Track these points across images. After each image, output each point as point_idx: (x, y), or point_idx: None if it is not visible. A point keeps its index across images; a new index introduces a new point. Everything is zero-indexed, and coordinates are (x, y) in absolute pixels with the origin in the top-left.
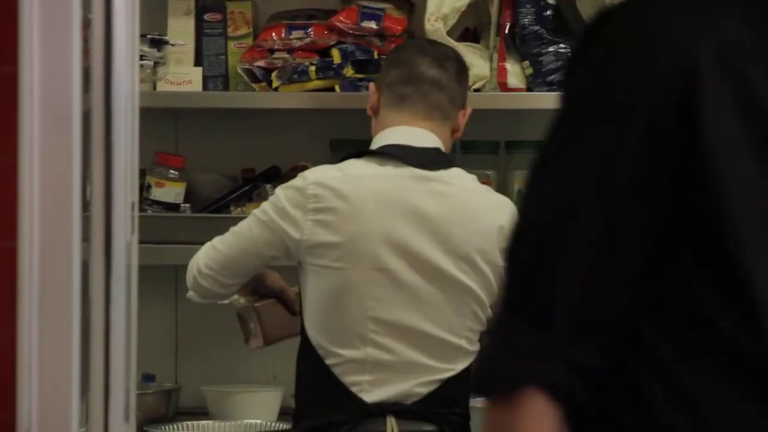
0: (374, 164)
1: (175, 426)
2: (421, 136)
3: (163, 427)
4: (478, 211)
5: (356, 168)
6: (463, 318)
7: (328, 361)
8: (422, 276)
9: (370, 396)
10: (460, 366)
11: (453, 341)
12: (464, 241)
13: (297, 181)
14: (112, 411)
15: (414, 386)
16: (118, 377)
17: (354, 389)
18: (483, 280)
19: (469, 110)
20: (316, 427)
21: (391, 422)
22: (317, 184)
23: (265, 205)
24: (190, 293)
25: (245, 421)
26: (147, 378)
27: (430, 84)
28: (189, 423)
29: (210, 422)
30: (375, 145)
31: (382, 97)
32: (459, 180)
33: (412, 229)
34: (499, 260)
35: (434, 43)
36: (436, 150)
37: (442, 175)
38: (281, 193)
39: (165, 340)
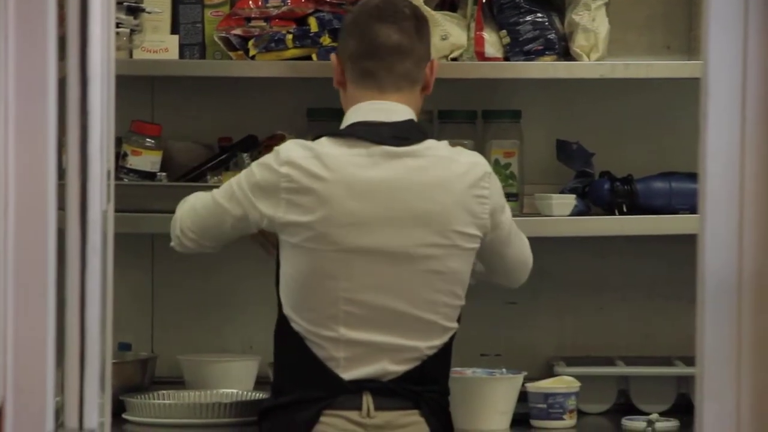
0: (344, 147)
1: (151, 395)
2: (392, 109)
3: (138, 396)
4: (454, 181)
5: (327, 148)
6: (437, 294)
7: (303, 337)
8: (394, 255)
9: (346, 373)
10: (436, 342)
11: (428, 318)
12: (439, 216)
13: (270, 159)
14: (88, 380)
15: (390, 364)
16: (93, 346)
17: (330, 365)
18: (459, 253)
19: (435, 63)
20: (294, 402)
21: (367, 400)
22: (289, 163)
23: (242, 180)
24: (175, 246)
25: (221, 390)
26: (123, 347)
27: (392, 54)
28: (165, 392)
29: (186, 391)
30: (346, 121)
31: (346, 71)
32: (432, 151)
33: (383, 210)
34: (479, 230)
35: (388, 2)
36: (408, 122)
37: (414, 149)
38: (256, 169)
39: (141, 309)
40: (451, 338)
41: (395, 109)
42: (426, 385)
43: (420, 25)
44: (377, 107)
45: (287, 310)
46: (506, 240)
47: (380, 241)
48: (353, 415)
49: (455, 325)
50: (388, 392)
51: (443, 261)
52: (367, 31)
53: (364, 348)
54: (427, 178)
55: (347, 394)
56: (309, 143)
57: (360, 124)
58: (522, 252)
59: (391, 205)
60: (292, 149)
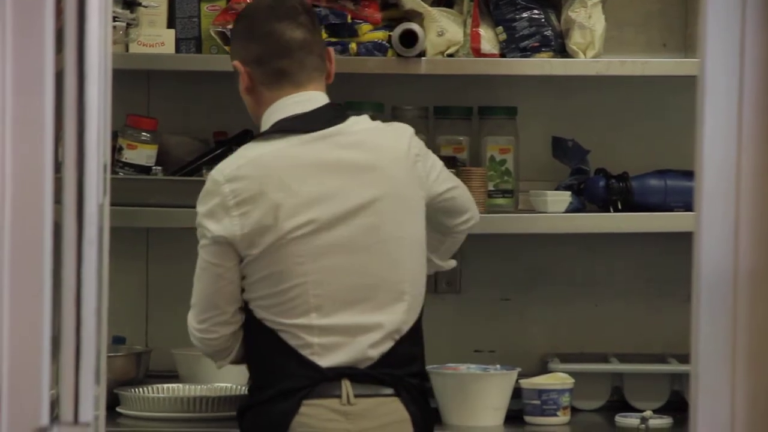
0: (274, 141)
1: (145, 388)
2: (310, 98)
3: (133, 390)
4: (388, 145)
5: (258, 149)
6: (404, 261)
7: (277, 331)
8: (352, 226)
9: (322, 360)
10: (409, 316)
11: (395, 284)
12: (384, 180)
13: (209, 187)
14: (83, 373)
15: (365, 349)
16: (89, 339)
17: (305, 353)
18: (413, 215)
19: (332, 51)
20: (273, 396)
21: (346, 386)
22: (228, 180)
23: (199, 229)
24: (217, 363)
25: (215, 384)
26: (118, 340)
27: (300, 49)
28: (159, 386)
29: (180, 385)
30: (267, 124)
31: (255, 74)
32: (359, 125)
33: (335, 184)
34: (422, 190)
35: (278, 1)
36: (328, 106)
37: (341, 128)
38: (202, 206)
39: (136, 303)
40: (420, 317)
41: (313, 98)
42: (403, 368)
43: (313, 18)
44: (296, 100)
45: (257, 312)
46: (443, 175)
47: (336, 218)
48: (333, 403)
49: (422, 297)
50: (367, 379)
51: (400, 226)
52: (270, 32)
53: (337, 333)
54: (365, 147)
55: (326, 382)
56: (238, 153)
57: (284, 121)
58: (463, 188)
59: (338, 180)
60: (224, 167)
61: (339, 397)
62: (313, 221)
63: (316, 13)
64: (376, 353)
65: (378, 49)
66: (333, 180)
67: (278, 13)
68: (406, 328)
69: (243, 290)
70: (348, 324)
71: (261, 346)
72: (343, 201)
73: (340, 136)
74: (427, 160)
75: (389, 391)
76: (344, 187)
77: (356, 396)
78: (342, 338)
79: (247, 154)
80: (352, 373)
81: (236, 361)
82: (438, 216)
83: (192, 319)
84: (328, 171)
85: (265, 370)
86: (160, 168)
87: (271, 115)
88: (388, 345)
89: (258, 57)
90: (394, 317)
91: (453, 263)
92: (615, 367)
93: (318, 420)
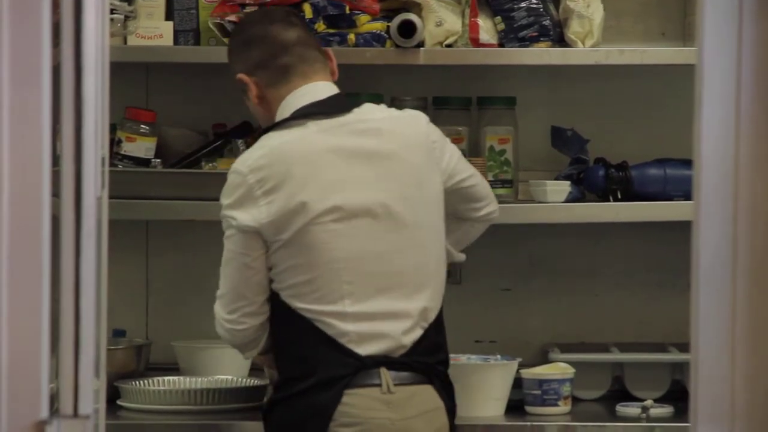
0: (294, 129)
1: (146, 381)
2: (320, 88)
3: (133, 383)
4: (405, 132)
5: (279, 138)
6: (426, 247)
7: (312, 320)
8: (376, 213)
9: (360, 348)
10: (434, 303)
11: (419, 271)
12: (405, 167)
13: (233, 179)
14: (83, 366)
15: (399, 336)
16: (88, 332)
17: (342, 341)
18: (432, 201)
19: (330, 50)
20: (312, 386)
21: (385, 374)
22: (252, 170)
23: (225, 220)
24: (245, 354)
25: (216, 376)
26: (118, 333)
27: (298, 45)
28: (159, 378)
29: (180, 378)
30: (282, 116)
31: (261, 80)
32: (375, 113)
33: (357, 170)
34: (441, 175)
35: (268, 8)
36: (339, 95)
37: (359, 115)
38: (227, 198)
39: (136, 296)
40: (441, 305)
41: (323, 88)
42: (433, 356)
43: (303, 21)
44: (306, 91)
45: (290, 302)
46: (461, 163)
47: (361, 204)
48: (374, 392)
49: (444, 284)
50: (403, 367)
51: (421, 213)
52: (268, 35)
53: (370, 320)
54: (384, 132)
55: (365, 370)
56: (258, 144)
57: (300, 108)
58: (480, 177)
59: (362, 166)
60: (246, 159)
61: (379, 385)
62: (339, 208)
63: (304, 19)
64: (408, 341)
65: (376, 39)
66: (355, 167)
67: (270, 18)
68: (432, 315)
69: (271, 281)
70: (380, 311)
71: (295, 336)
72: (367, 188)
73: (358, 123)
74: (446, 146)
75: (424, 378)
76: (367, 174)
77: (395, 384)
78: (375, 325)
79: (268, 143)
80: (388, 361)
81: (264, 352)
82: (456, 204)
83: (220, 310)
84: (350, 158)
85: (301, 360)
86: (159, 160)
87: (285, 109)
88: (418, 333)
89: (260, 61)
90: (421, 304)
91: (462, 257)
92: (615, 356)
93: (361, 409)
